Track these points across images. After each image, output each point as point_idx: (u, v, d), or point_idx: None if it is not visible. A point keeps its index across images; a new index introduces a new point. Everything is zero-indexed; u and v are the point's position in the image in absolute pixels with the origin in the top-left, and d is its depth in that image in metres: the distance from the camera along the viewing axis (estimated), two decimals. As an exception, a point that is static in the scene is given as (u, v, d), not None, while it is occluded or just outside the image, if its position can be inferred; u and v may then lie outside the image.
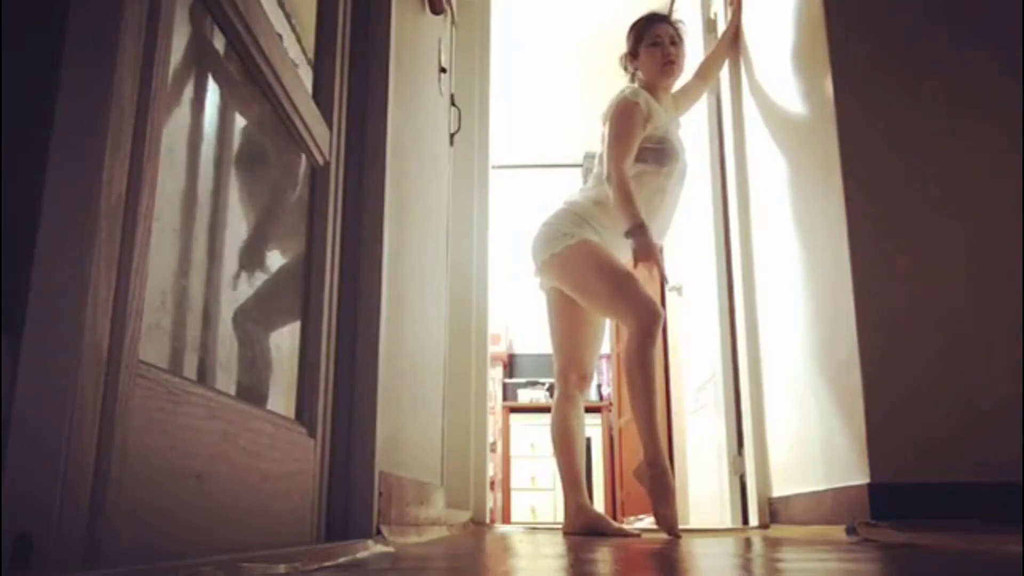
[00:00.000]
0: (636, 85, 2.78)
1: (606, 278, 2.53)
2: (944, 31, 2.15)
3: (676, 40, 2.81)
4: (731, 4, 3.13)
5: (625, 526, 2.85)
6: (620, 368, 5.23)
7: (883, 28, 2.17)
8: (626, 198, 2.50)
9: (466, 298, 3.21)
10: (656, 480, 2.36)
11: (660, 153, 2.62)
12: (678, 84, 2.94)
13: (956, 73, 2.11)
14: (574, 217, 2.64)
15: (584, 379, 2.71)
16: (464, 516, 2.90)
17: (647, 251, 2.45)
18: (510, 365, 6.52)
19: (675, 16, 3.00)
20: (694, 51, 3.57)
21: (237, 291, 1.24)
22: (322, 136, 1.53)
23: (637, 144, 2.60)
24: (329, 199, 1.57)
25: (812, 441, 2.27)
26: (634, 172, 2.59)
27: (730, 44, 3.10)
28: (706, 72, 3.11)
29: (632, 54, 2.84)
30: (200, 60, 1.09)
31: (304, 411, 1.43)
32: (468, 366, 3.18)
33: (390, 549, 1.45)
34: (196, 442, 0.94)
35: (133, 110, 0.79)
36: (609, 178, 2.55)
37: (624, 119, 2.61)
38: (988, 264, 1.99)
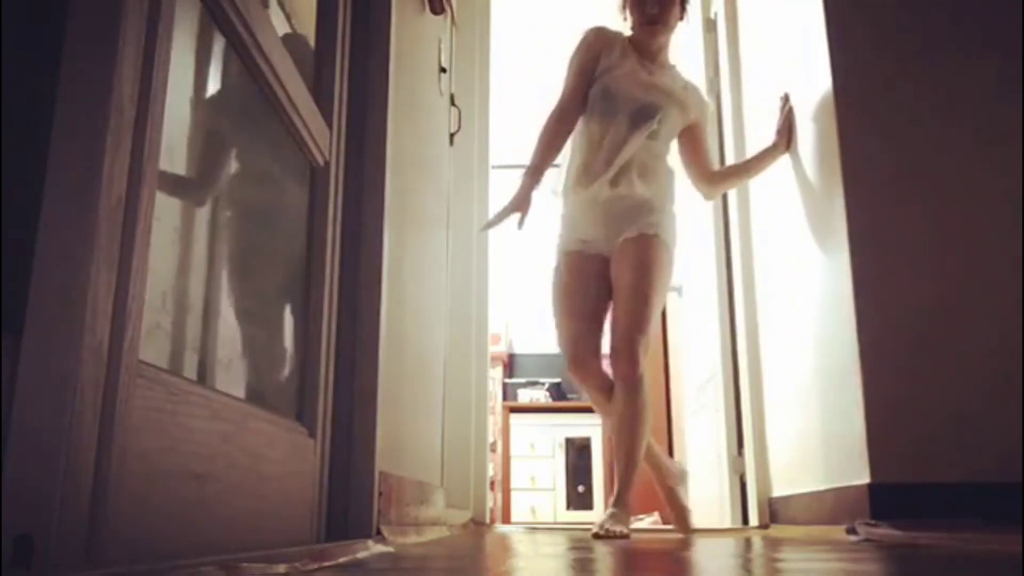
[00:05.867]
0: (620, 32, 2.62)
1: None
2: (945, 35, 2.15)
3: None
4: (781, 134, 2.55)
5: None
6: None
7: (885, 29, 2.17)
8: (541, 138, 2.48)
9: (466, 298, 3.21)
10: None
11: (606, 103, 2.49)
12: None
13: (957, 76, 2.11)
14: (559, 219, 2.62)
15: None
16: (464, 516, 2.90)
17: (519, 197, 2.41)
18: (510, 365, 6.51)
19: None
20: (694, 50, 3.57)
21: (237, 291, 1.24)
22: (322, 136, 1.53)
23: (584, 73, 2.51)
24: (329, 199, 1.57)
25: (812, 441, 2.27)
26: (587, 125, 2.51)
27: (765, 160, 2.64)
28: (717, 179, 2.74)
29: (623, 7, 2.62)
30: (200, 60, 1.09)
31: (304, 411, 1.43)
32: (468, 366, 3.18)
33: (390, 549, 1.45)
34: (196, 442, 0.94)
35: (133, 110, 0.79)
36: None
37: (574, 52, 2.56)
38: (989, 264, 1.99)
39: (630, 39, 2.58)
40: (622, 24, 2.63)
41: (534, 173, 2.45)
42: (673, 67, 2.63)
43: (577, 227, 2.55)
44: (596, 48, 2.52)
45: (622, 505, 2.32)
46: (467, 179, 3.30)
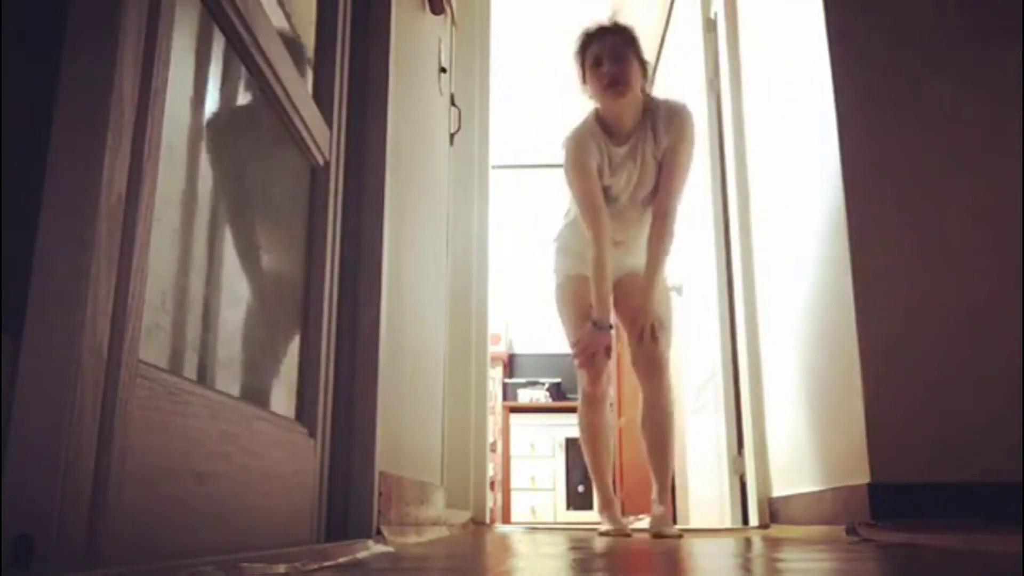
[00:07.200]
0: (586, 119, 2.54)
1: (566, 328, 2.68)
2: (946, 33, 2.15)
3: (619, 52, 2.42)
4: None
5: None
6: (621, 370, 5.22)
7: (885, 28, 2.17)
8: (596, 272, 2.46)
9: (466, 298, 3.21)
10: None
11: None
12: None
13: (959, 74, 2.11)
14: (556, 248, 2.74)
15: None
16: (464, 516, 2.90)
17: (607, 318, 2.50)
18: (510, 365, 6.51)
19: (675, 16, 2.96)
20: (694, 51, 3.57)
21: (237, 291, 1.24)
22: (322, 136, 1.53)
23: (592, 184, 2.46)
24: (329, 199, 1.57)
25: (812, 441, 2.27)
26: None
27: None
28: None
29: (583, 81, 2.53)
30: (200, 60, 1.09)
31: (304, 411, 1.43)
32: (468, 366, 3.18)
33: (390, 549, 1.45)
34: (196, 442, 0.94)
35: (133, 110, 0.79)
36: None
37: (567, 175, 2.52)
38: (988, 263, 1.99)
39: (597, 118, 2.49)
40: (586, 100, 2.56)
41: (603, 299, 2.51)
42: (643, 102, 2.48)
43: (586, 259, 2.55)
44: (583, 158, 2.46)
45: (666, 503, 2.53)
46: (467, 179, 3.30)
